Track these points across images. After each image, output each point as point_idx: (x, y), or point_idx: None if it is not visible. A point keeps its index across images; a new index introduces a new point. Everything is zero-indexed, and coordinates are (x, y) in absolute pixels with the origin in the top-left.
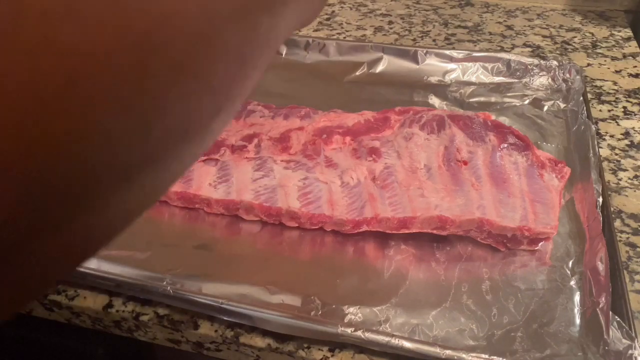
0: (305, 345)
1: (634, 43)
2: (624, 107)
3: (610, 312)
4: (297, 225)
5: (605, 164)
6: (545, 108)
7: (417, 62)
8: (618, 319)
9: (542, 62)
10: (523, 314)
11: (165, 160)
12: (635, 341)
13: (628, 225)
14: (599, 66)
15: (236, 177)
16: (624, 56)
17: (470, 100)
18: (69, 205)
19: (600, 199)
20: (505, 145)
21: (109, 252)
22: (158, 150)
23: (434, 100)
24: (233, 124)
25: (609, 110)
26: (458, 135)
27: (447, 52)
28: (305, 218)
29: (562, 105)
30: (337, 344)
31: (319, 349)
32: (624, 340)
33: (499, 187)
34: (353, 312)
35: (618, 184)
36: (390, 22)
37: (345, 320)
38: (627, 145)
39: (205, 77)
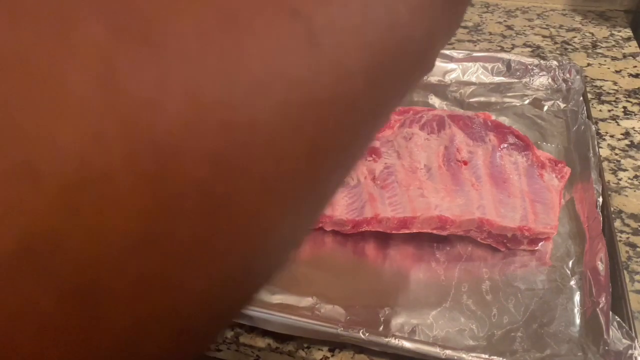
0: (305, 345)
1: (634, 43)
2: (624, 107)
3: (610, 312)
4: None
5: (605, 164)
6: (545, 108)
7: None
8: (618, 319)
9: (542, 62)
10: (523, 314)
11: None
12: (635, 341)
13: (628, 225)
14: (599, 66)
15: None
16: (624, 56)
17: (470, 100)
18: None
19: (600, 199)
20: (505, 145)
21: None
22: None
23: (434, 100)
24: None
25: (609, 110)
26: (458, 135)
27: (447, 52)
28: None
29: (562, 105)
30: (337, 344)
31: (319, 349)
32: (624, 340)
33: (499, 187)
34: (353, 312)
35: (618, 184)
36: None
37: (345, 320)
38: (627, 145)
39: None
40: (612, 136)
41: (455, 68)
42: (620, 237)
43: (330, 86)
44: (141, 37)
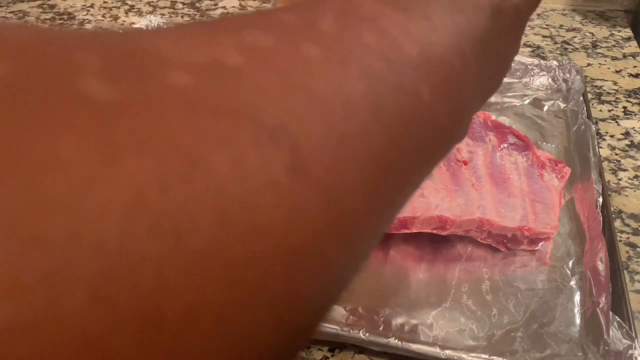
0: (306, 345)
1: (634, 43)
2: (624, 107)
3: (610, 312)
4: None
5: (605, 164)
6: (545, 108)
7: None
8: (618, 319)
9: (542, 62)
10: (523, 314)
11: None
12: (635, 341)
13: (628, 225)
14: (599, 66)
15: None
16: (624, 56)
17: None
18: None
19: (601, 199)
20: (505, 145)
21: None
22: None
23: None
24: None
25: (609, 110)
26: None
27: None
28: None
29: (562, 105)
30: (337, 344)
31: (319, 349)
32: (624, 340)
33: (499, 187)
34: (353, 312)
35: (618, 184)
36: None
37: (346, 321)
38: (627, 145)
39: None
40: (612, 136)
41: None
42: (621, 237)
43: (314, 221)
44: (33, 240)
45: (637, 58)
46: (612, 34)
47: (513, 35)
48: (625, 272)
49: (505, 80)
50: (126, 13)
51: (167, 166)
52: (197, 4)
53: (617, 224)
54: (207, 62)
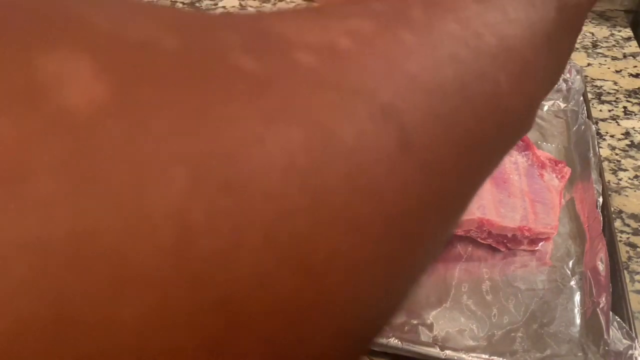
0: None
1: (634, 43)
2: (624, 107)
3: (611, 312)
4: None
5: (605, 164)
6: (545, 108)
7: None
8: (618, 319)
9: None
10: (523, 314)
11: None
12: (635, 341)
13: (628, 225)
14: (599, 66)
15: None
16: (624, 56)
17: None
18: None
19: (601, 199)
20: None
21: None
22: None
23: None
24: None
25: (609, 110)
26: None
27: None
28: None
29: (562, 105)
30: None
31: None
32: (624, 341)
33: (499, 187)
34: None
35: (618, 184)
36: None
37: None
38: (627, 145)
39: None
40: (612, 136)
41: None
42: (621, 237)
43: (418, 193)
44: (222, 183)
45: (637, 58)
46: (612, 34)
47: (573, 30)
48: (625, 272)
49: None
50: None
51: (309, 134)
52: (197, 4)
53: (617, 224)
54: (323, 44)
